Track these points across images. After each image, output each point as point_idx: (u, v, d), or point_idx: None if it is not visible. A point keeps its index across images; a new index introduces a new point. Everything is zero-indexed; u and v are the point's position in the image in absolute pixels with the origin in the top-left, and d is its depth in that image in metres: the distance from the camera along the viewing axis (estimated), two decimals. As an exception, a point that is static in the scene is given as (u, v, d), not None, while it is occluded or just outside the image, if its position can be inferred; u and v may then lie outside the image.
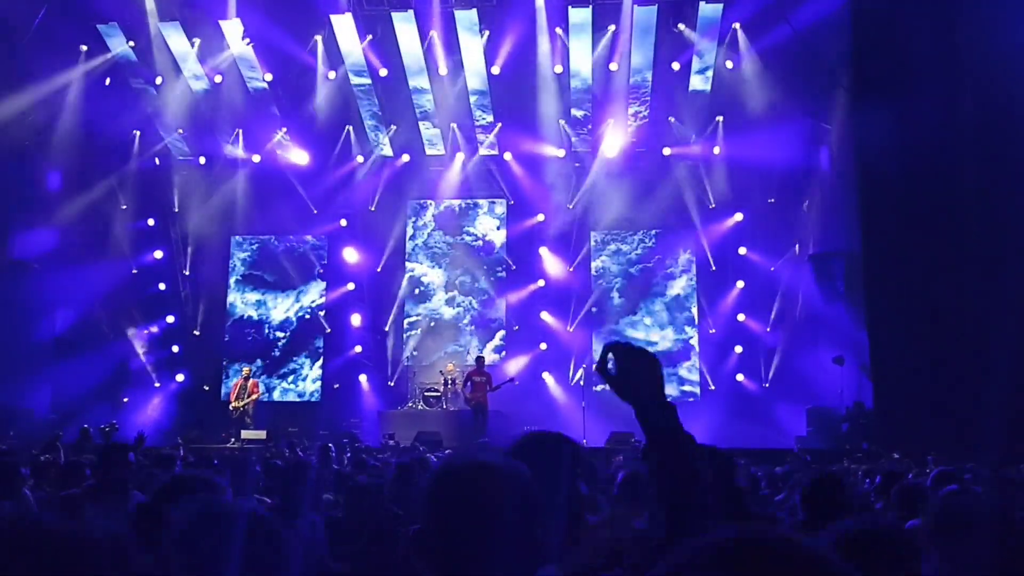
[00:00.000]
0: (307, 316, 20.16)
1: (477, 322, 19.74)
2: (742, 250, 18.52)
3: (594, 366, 2.15)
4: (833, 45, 14.91)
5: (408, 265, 20.01)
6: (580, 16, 16.77)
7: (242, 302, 20.29)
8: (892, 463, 8.78)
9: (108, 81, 17.83)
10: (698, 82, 17.83)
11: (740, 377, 18.23)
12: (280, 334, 20.14)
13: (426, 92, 18.17)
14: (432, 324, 19.75)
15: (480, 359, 16.42)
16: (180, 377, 19.18)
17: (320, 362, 19.82)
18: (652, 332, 19.36)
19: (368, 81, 18.14)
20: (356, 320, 19.39)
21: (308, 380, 19.77)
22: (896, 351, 12.98)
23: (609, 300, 19.47)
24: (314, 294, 20.21)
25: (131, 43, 17.32)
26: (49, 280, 16.86)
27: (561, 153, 18.95)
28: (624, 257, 19.58)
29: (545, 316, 19.10)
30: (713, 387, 18.43)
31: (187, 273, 19.73)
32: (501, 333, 19.33)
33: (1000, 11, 13.17)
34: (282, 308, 20.24)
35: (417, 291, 19.97)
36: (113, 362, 18.31)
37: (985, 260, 12.58)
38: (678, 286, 19.37)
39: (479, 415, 15.28)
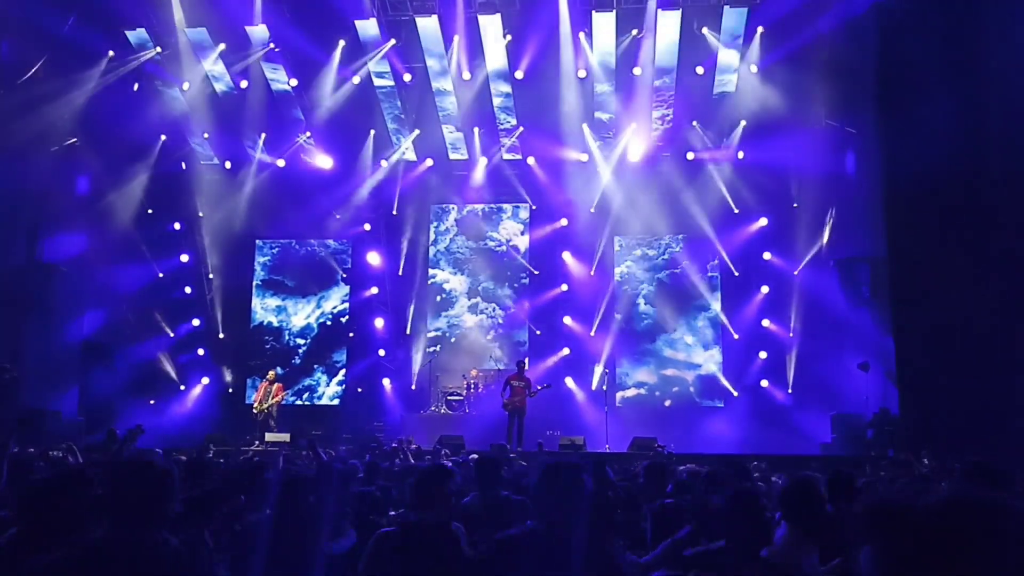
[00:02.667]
0: (328, 322, 20.22)
1: (501, 338, 19.67)
2: (767, 255, 18.42)
3: None
4: (858, 50, 14.80)
5: (431, 271, 20.05)
6: (604, 20, 16.75)
7: (262, 308, 20.39)
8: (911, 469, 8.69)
9: (136, 86, 18.03)
10: (722, 86, 17.78)
11: (764, 383, 18.13)
12: (300, 341, 20.20)
13: (449, 96, 18.23)
14: (453, 341, 19.72)
15: (520, 364, 16.32)
16: (206, 380, 19.35)
17: (337, 378, 19.87)
18: (695, 352, 19.09)
19: (391, 83, 18.23)
20: (379, 324, 19.48)
21: (324, 398, 19.81)
22: (922, 357, 12.85)
23: (635, 307, 19.37)
24: (336, 300, 20.29)
25: (158, 49, 17.50)
26: (78, 283, 17.04)
27: (584, 157, 18.94)
28: (650, 262, 19.50)
29: (568, 321, 19.08)
30: (736, 393, 18.34)
31: (212, 277, 19.88)
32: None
33: (1027, 16, 13.03)
34: (303, 314, 20.32)
35: (439, 298, 19.97)
36: (140, 365, 18.47)
37: (1012, 265, 12.43)
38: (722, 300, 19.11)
39: (516, 420, 15.25)
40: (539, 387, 15.79)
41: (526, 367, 16.57)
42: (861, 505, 2.01)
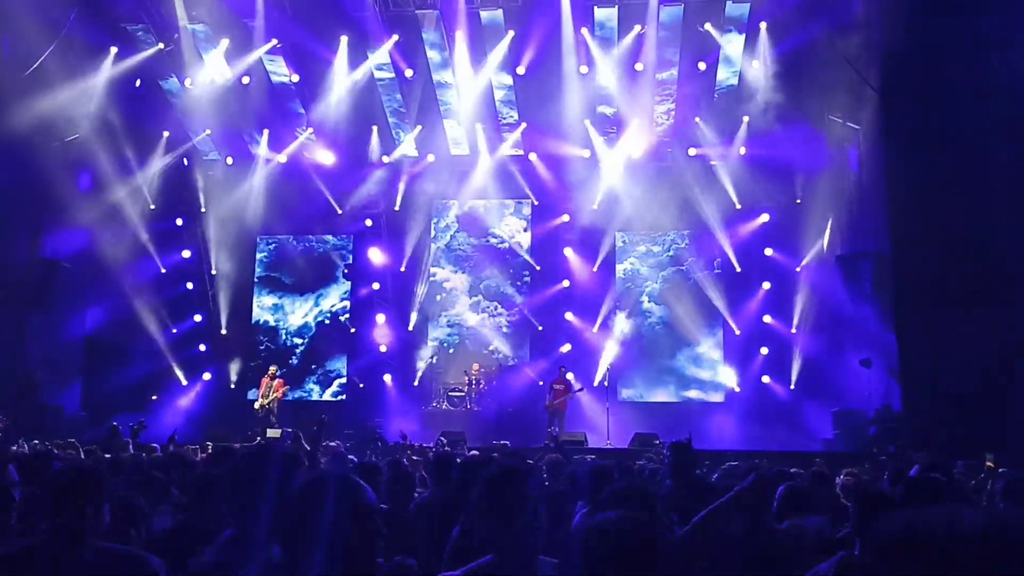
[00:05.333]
0: (327, 321, 20.16)
1: (503, 335, 19.56)
2: (768, 251, 18.39)
3: None
4: (862, 45, 14.76)
5: (432, 269, 19.97)
6: (606, 16, 16.73)
7: (258, 306, 20.31)
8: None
9: (138, 82, 18.01)
10: (724, 82, 17.73)
11: (766, 379, 18.09)
12: (298, 340, 20.10)
13: (451, 91, 18.20)
14: (451, 352, 19.58)
15: (562, 369, 16.90)
16: (207, 376, 19.36)
17: (332, 389, 19.77)
18: (722, 370, 18.71)
19: (392, 76, 18.19)
20: (381, 320, 19.47)
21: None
22: (924, 353, 12.83)
23: (639, 304, 19.29)
24: (334, 297, 20.22)
25: (160, 44, 17.49)
26: (80, 279, 17.06)
27: (586, 153, 18.90)
28: (655, 259, 19.42)
29: (569, 317, 19.06)
30: (738, 389, 18.31)
31: (214, 273, 19.89)
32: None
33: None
34: (300, 312, 20.22)
35: (439, 297, 19.88)
36: (142, 360, 18.48)
37: (1015, 261, 12.41)
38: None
39: (556, 420, 16.23)
40: (576, 390, 16.68)
41: (566, 372, 16.98)
42: (885, 532, 1.90)
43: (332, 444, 11.01)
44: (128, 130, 17.84)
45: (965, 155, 12.62)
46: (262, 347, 20.05)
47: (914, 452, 9.79)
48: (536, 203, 19.75)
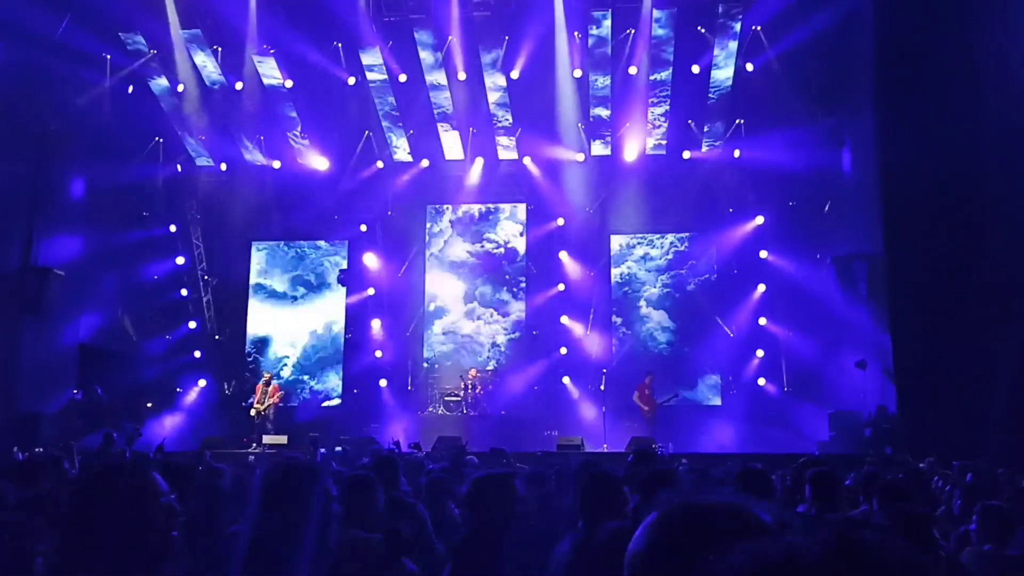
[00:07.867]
0: (319, 330, 20.07)
1: (498, 339, 19.49)
2: (763, 253, 18.38)
3: None
4: (855, 47, 14.80)
5: (426, 274, 19.89)
6: (599, 19, 16.73)
7: (252, 313, 20.12)
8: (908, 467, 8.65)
9: (131, 89, 17.97)
10: (718, 84, 17.73)
11: (761, 381, 18.06)
12: (290, 350, 19.93)
13: (445, 96, 18.17)
14: (447, 357, 19.45)
15: (650, 374, 17.06)
16: (202, 382, 19.30)
17: (326, 399, 19.63)
18: (718, 373, 18.58)
19: (386, 81, 18.10)
20: (376, 325, 19.42)
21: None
22: (920, 355, 12.83)
23: (636, 309, 19.21)
24: (328, 305, 20.11)
25: (153, 51, 17.46)
26: (73, 286, 17.00)
27: (580, 157, 18.90)
28: (652, 263, 19.37)
29: (565, 320, 19.02)
30: (734, 391, 18.30)
31: (208, 279, 19.84)
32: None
33: (1022, 12, 13.03)
34: (292, 321, 20.06)
35: (432, 307, 19.78)
36: (136, 368, 18.42)
37: (1009, 263, 12.43)
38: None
39: (648, 424, 16.66)
40: (669, 397, 16.96)
41: (653, 379, 17.10)
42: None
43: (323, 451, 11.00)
44: (121, 136, 17.83)
45: (959, 157, 12.65)
46: (250, 358, 19.89)
47: (910, 458, 9.78)
48: (531, 207, 19.74)
